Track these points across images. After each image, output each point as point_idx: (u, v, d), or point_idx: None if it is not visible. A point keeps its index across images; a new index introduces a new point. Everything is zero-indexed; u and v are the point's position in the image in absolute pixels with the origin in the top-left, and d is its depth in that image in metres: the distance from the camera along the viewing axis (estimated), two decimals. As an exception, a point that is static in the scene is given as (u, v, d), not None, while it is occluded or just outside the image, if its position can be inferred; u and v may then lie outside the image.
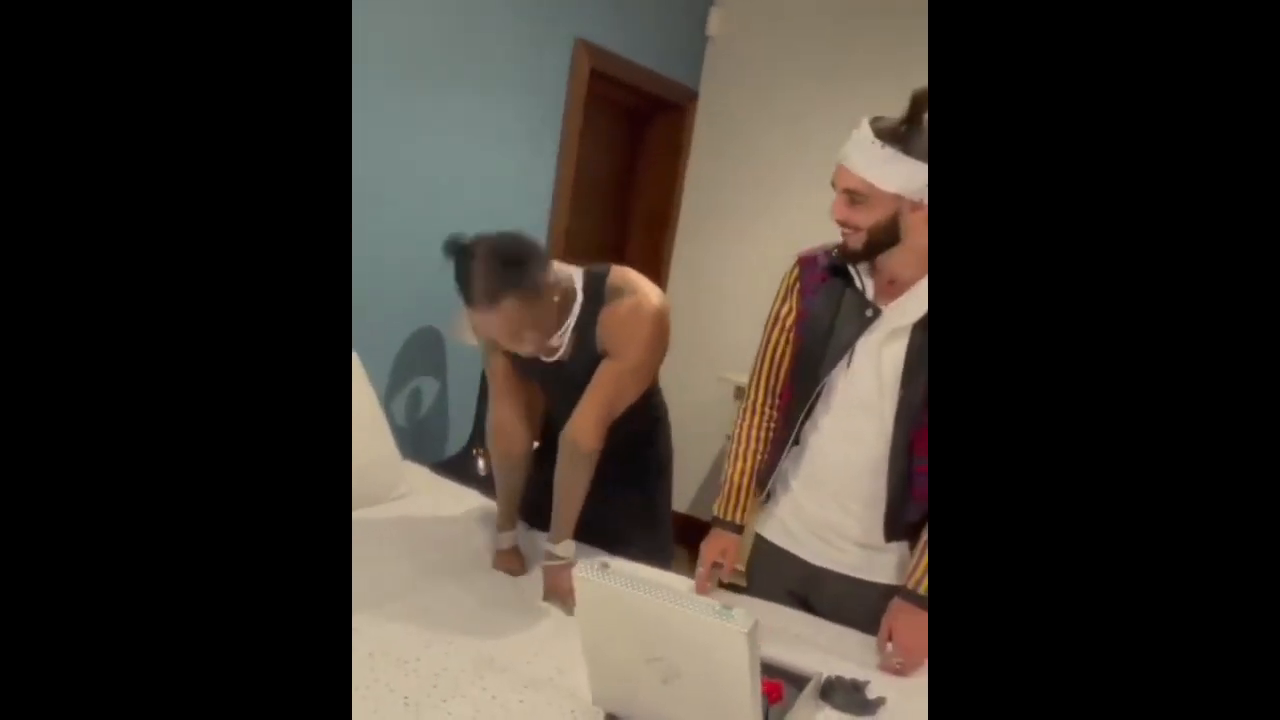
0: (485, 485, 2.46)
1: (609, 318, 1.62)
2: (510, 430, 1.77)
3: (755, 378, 1.65)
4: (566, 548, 1.64)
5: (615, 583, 1.06)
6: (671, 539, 1.98)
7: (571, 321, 1.62)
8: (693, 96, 3.63)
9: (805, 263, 1.60)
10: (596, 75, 3.06)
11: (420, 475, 2.15)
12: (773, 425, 1.64)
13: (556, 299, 1.56)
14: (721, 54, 3.62)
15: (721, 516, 1.64)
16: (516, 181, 2.82)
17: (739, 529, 1.64)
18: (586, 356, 1.65)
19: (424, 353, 2.61)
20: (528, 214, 2.89)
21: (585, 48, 2.95)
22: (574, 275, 1.64)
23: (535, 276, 1.49)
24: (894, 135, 1.36)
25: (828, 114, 3.36)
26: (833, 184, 1.45)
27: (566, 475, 1.64)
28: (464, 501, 2.02)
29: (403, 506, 1.95)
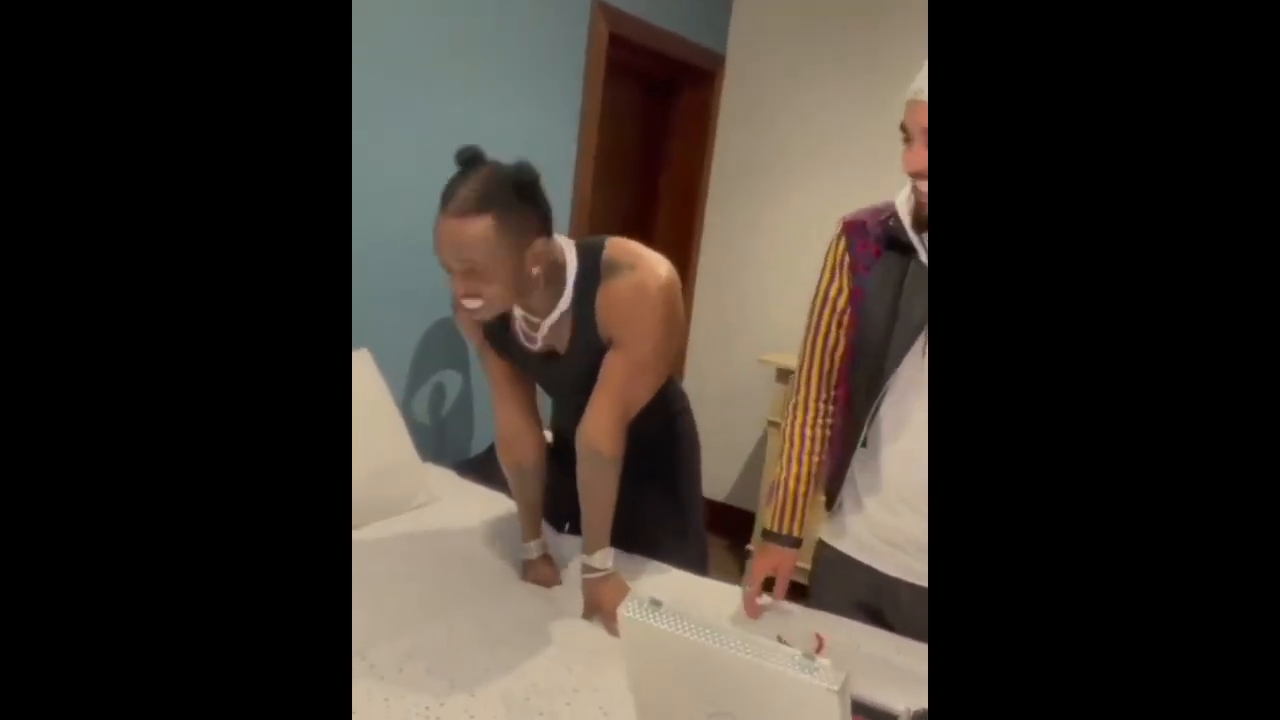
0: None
1: (610, 299, 1.39)
2: (518, 439, 1.59)
3: (805, 369, 1.42)
4: (604, 558, 1.45)
5: (669, 625, 0.88)
6: (705, 542, 1.79)
7: (565, 303, 1.40)
8: (720, 61, 3.41)
9: (852, 230, 1.35)
10: (617, 41, 2.86)
11: (443, 479, 1.98)
12: (829, 423, 1.42)
13: (537, 270, 1.34)
14: (748, 15, 3.39)
15: (775, 530, 1.43)
16: (534, 156, 2.62)
17: (796, 543, 1.43)
18: (587, 346, 1.43)
19: (445, 346, 2.44)
20: (549, 184, 2.69)
21: (604, 11, 2.75)
22: (565, 248, 1.42)
23: (527, 216, 1.31)
24: None
25: (862, 73, 3.14)
26: (902, 128, 1.19)
27: (591, 483, 1.45)
28: (490, 507, 1.84)
29: (423, 516, 1.78)
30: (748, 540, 3.21)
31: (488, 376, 1.60)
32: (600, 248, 1.43)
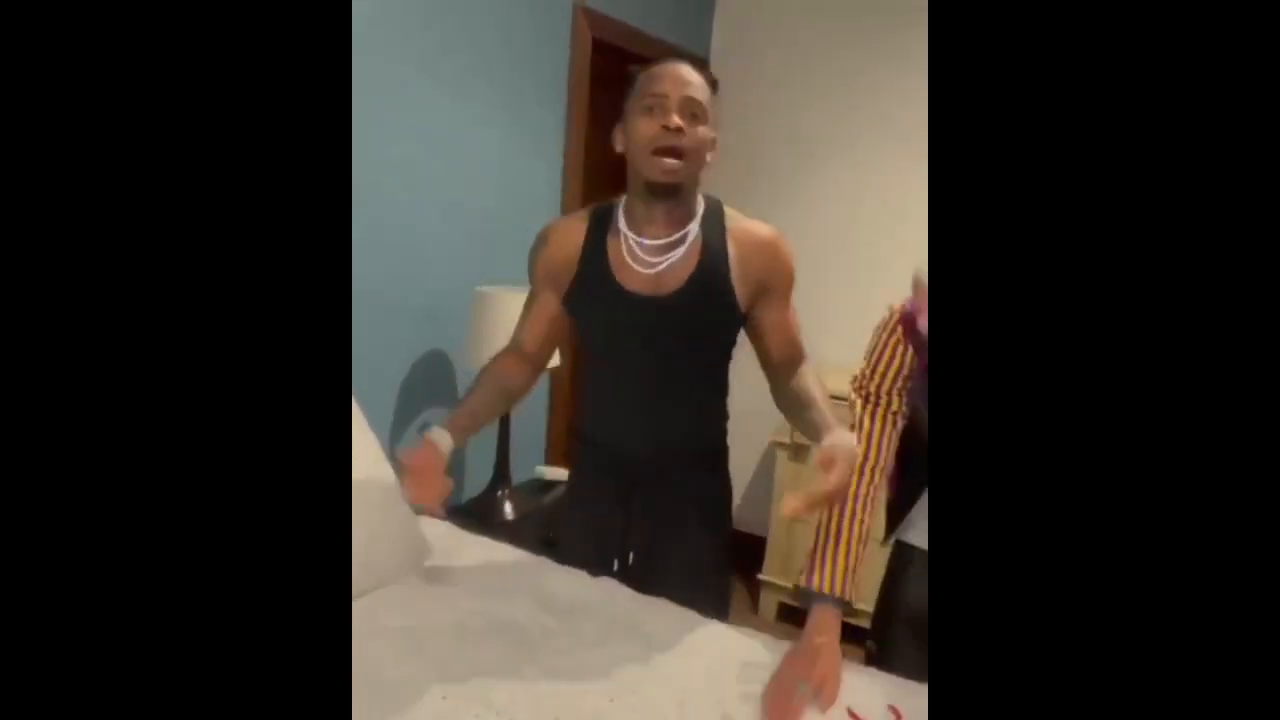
0: (513, 532, 2.11)
1: (754, 239, 1.36)
2: (525, 353, 1.49)
3: (870, 443, 1.33)
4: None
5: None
6: (730, 581, 1.63)
7: (696, 226, 1.35)
8: (705, 64, 3.27)
9: (907, 325, 1.34)
10: (601, 47, 2.70)
11: (437, 533, 1.79)
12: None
13: (712, 156, 1.35)
14: (732, 18, 3.25)
15: (830, 593, 1.27)
16: (517, 168, 2.46)
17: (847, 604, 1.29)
18: (705, 289, 1.34)
19: (432, 380, 2.26)
20: (533, 203, 2.53)
21: (587, 16, 2.59)
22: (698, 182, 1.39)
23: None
24: None
25: (847, 76, 3.05)
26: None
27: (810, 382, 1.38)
28: (491, 559, 1.65)
29: (420, 580, 1.59)
30: (758, 568, 3.05)
31: (527, 313, 1.48)
32: (718, 200, 1.42)
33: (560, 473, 2.53)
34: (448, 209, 2.18)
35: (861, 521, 1.29)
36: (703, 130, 1.30)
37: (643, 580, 1.48)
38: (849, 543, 1.27)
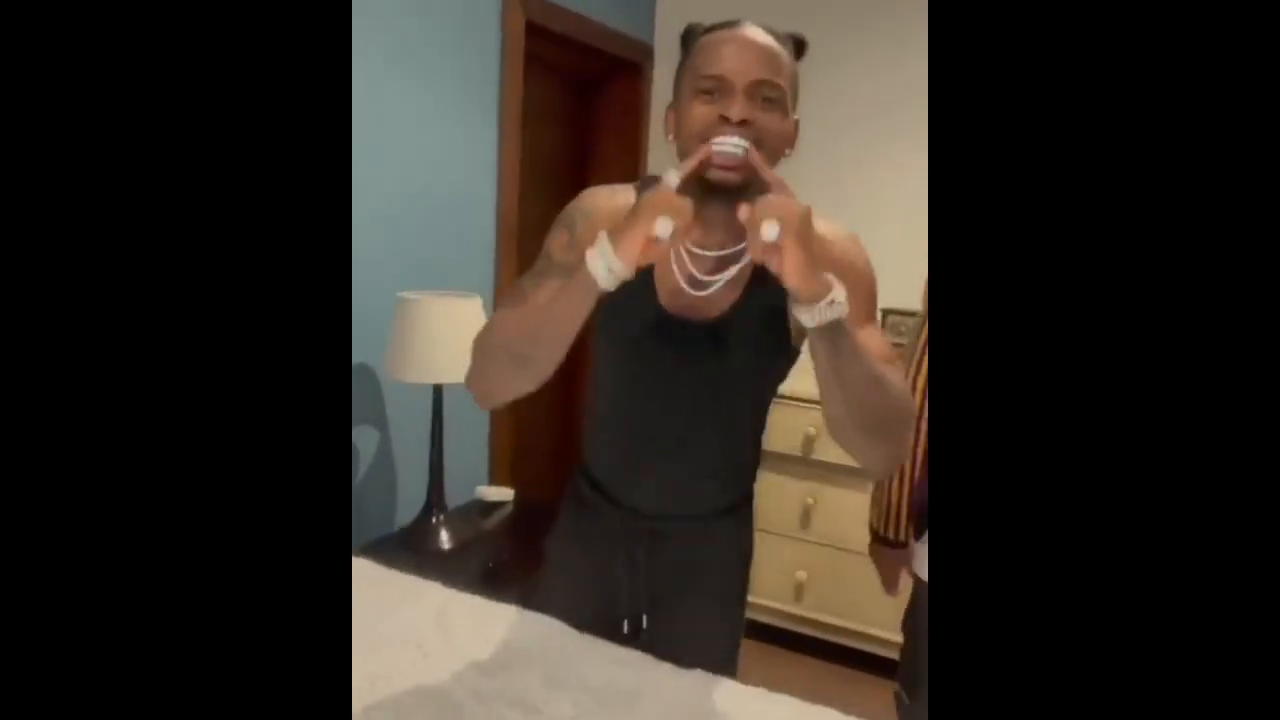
0: (450, 562, 1.90)
1: (825, 253, 0.99)
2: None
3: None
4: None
5: None
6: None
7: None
8: (648, 53, 3.09)
9: None
10: (535, 31, 2.50)
11: (361, 572, 1.57)
12: None
13: (790, 151, 1.06)
14: (675, 1, 3.08)
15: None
16: (453, 165, 2.25)
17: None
18: (761, 308, 1.06)
19: (357, 396, 2.04)
20: (463, 203, 2.32)
21: (517, -3, 2.39)
22: None
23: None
24: None
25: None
26: None
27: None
28: (424, 598, 1.42)
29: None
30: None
31: (524, 280, 1.09)
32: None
33: (504, 493, 2.33)
34: (366, 208, 1.96)
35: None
36: (778, 120, 0.99)
37: (651, 644, 1.24)
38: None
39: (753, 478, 1.27)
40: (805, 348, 1.04)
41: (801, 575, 2.64)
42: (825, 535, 2.59)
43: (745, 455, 1.23)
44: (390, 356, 1.89)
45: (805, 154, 3.08)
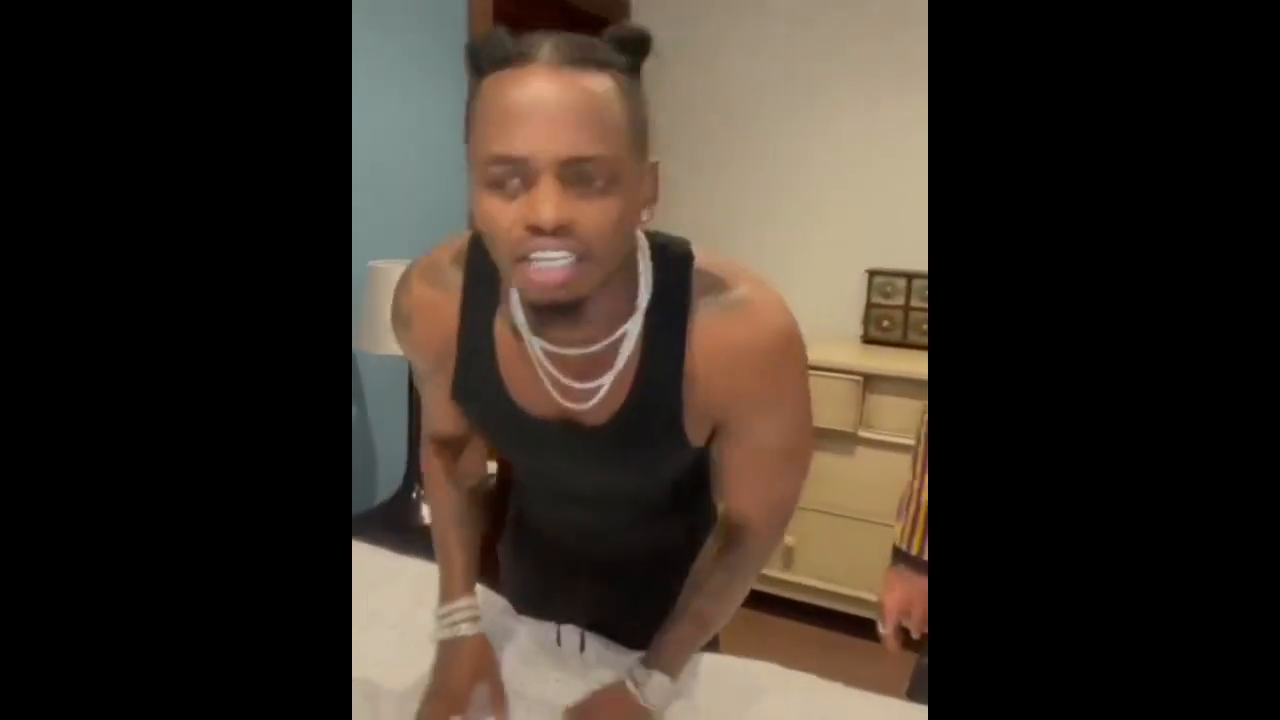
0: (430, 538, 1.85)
1: (728, 341, 0.82)
2: (452, 438, 1.06)
3: None
4: (659, 688, 0.96)
5: None
6: None
7: (632, 333, 0.83)
8: (625, 9, 3.00)
9: None
10: (504, -12, 2.42)
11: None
12: None
13: (647, 216, 0.79)
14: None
15: (905, 549, 1.21)
16: (413, 128, 2.17)
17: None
18: (647, 416, 0.86)
19: (329, 370, 1.98)
20: (433, 168, 2.24)
21: (485, -49, 2.30)
22: (636, 241, 0.83)
23: (646, 108, 0.75)
24: None
25: (783, 20, 2.80)
26: None
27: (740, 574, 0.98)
28: (399, 573, 1.38)
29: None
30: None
31: (426, 408, 1.06)
32: (686, 253, 0.85)
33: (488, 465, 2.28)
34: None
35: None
36: (612, 207, 0.71)
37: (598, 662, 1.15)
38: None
39: (705, 522, 1.07)
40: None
41: (790, 540, 2.62)
42: (814, 501, 2.56)
43: (683, 517, 1.09)
44: (363, 329, 1.83)
45: (799, 117, 2.98)
